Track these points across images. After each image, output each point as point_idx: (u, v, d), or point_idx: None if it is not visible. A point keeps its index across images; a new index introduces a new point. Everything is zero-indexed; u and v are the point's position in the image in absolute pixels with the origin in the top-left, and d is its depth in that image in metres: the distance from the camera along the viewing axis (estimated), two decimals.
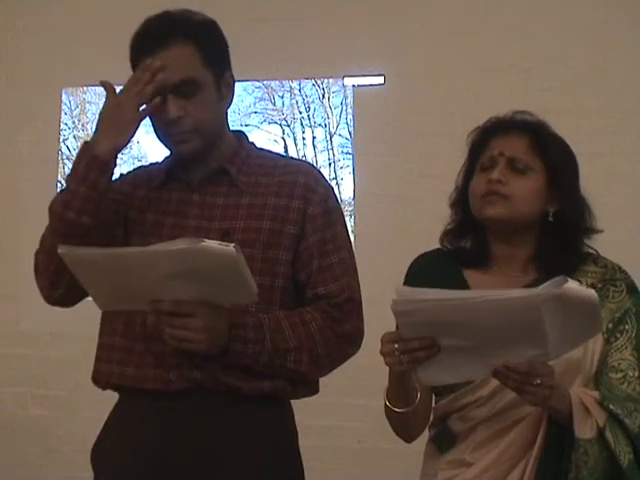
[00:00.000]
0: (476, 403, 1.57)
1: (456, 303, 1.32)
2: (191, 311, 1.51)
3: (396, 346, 1.39)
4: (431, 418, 1.67)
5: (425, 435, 1.69)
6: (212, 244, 1.41)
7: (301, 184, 1.72)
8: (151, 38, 1.65)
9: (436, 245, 1.75)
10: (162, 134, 1.70)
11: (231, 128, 1.82)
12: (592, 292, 1.33)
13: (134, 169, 1.91)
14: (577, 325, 1.35)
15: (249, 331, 1.59)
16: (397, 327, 1.41)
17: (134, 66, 1.67)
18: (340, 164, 4.13)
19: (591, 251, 1.66)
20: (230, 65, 1.75)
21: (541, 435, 1.49)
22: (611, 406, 1.47)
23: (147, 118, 1.68)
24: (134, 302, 1.56)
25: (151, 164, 1.91)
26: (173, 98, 1.62)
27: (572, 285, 1.29)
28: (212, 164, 1.73)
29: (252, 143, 1.84)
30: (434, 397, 1.66)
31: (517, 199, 1.60)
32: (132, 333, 1.67)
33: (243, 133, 1.85)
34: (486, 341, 1.35)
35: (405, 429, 1.64)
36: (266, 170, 1.75)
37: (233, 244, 1.42)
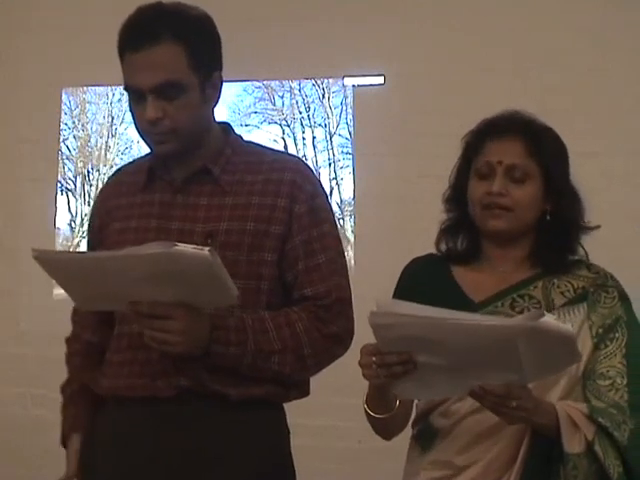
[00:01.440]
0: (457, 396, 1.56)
1: (433, 322, 1.31)
2: (169, 313, 1.49)
3: (374, 359, 1.39)
4: (413, 415, 1.67)
5: None
6: (185, 248, 1.39)
7: (287, 181, 1.67)
8: (139, 32, 1.60)
9: None
10: (142, 133, 1.67)
11: (217, 120, 1.76)
12: (568, 327, 1.34)
13: (113, 174, 1.89)
14: (555, 355, 1.35)
15: (231, 333, 1.57)
16: None
17: (121, 56, 1.63)
18: (340, 164, 4.12)
19: (582, 257, 1.66)
20: (221, 65, 1.69)
21: (524, 448, 1.49)
22: (600, 419, 1.46)
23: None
24: (113, 303, 1.55)
25: (133, 161, 1.89)
26: (153, 99, 1.58)
27: (548, 319, 1.28)
28: (196, 163, 1.68)
29: (239, 136, 1.78)
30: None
31: (519, 210, 1.61)
32: (121, 346, 1.67)
33: (229, 125, 1.79)
34: (463, 361, 1.34)
35: (384, 430, 1.64)
36: (252, 167, 1.70)
37: (208, 248, 1.40)
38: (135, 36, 1.60)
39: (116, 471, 1.65)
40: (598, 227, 1.67)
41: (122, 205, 1.74)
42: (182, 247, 1.39)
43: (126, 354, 1.66)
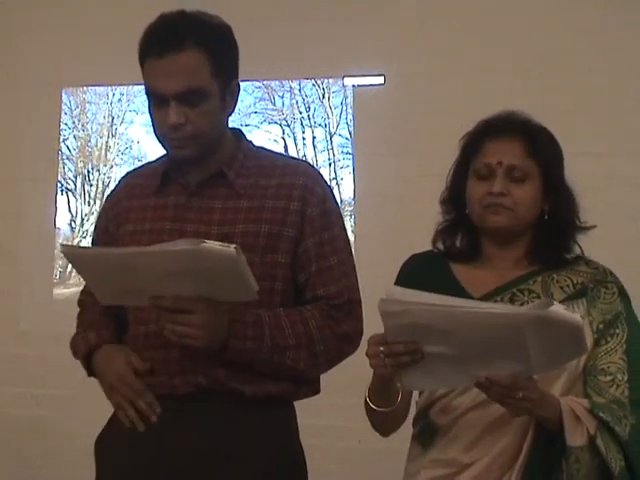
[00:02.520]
0: (456, 391, 1.57)
1: (442, 309, 1.32)
2: (191, 307, 1.52)
3: (381, 349, 1.39)
4: (414, 413, 1.67)
5: None
6: (213, 245, 1.43)
7: (299, 185, 1.71)
8: (164, 38, 1.62)
9: None
10: (161, 137, 1.70)
11: (230, 126, 1.80)
12: (577, 317, 1.33)
13: (123, 177, 1.91)
14: (562, 345, 1.35)
15: (248, 328, 1.61)
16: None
17: (142, 60, 1.65)
18: (340, 164, 4.11)
19: (580, 254, 1.67)
20: (237, 73, 1.73)
21: (527, 442, 1.50)
22: (601, 414, 1.47)
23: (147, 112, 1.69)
24: (135, 298, 1.58)
25: (144, 165, 1.92)
26: (176, 105, 1.61)
27: (556, 308, 1.29)
28: (210, 168, 1.72)
29: (250, 142, 1.83)
30: (414, 393, 1.66)
31: (520, 209, 1.61)
32: (137, 346, 1.70)
33: (241, 132, 1.84)
34: (470, 352, 1.35)
35: (383, 425, 1.65)
36: (264, 171, 1.74)
37: (234, 245, 1.43)
38: (159, 42, 1.62)
39: (128, 468, 1.67)
40: (594, 227, 1.68)
41: (134, 207, 1.77)
42: (210, 244, 1.43)
43: (142, 354, 1.68)
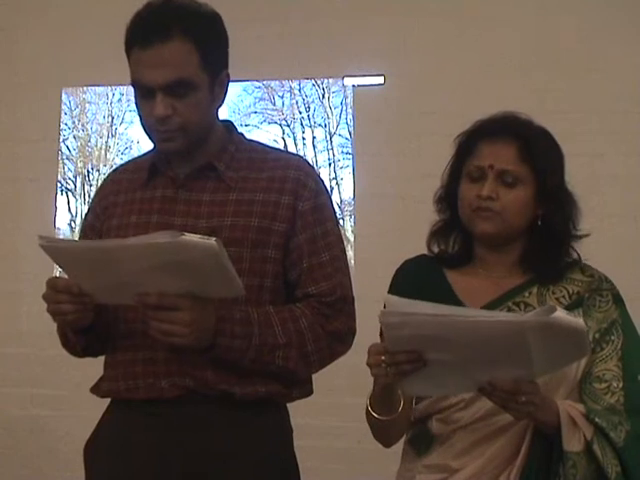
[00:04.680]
0: (458, 405, 1.56)
1: (444, 320, 1.31)
2: (177, 304, 1.47)
3: (383, 358, 1.39)
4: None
5: None
6: (192, 238, 1.38)
7: (291, 179, 1.67)
8: (150, 28, 1.57)
9: None
10: (148, 129, 1.65)
11: (220, 119, 1.76)
12: (580, 322, 1.33)
13: (110, 173, 1.88)
14: (564, 349, 1.35)
15: (236, 325, 1.56)
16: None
17: (128, 51, 1.61)
18: (340, 164, 4.12)
19: (576, 258, 1.65)
20: (227, 63, 1.68)
21: (525, 446, 1.49)
22: (597, 419, 1.47)
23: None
24: (120, 296, 1.53)
25: (131, 160, 1.88)
26: (163, 96, 1.57)
27: (560, 314, 1.28)
28: (199, 160, 1.67)
29: (241, 134, 1.78)
30: (414, 400, 1.64)
31: (508, 213, 1.59)
32: (120, 347, 1.66)
33: (232, 124, 1.79)
34: (472, 358, 1.35)
35: (385, 434, 1.63)
36: (255, 165, 1.70)
37: (214, 238, 1.39)
38: (145, 32, 1.57)
39: (117, 474, 1.64)
40: (587, 235, 1.65)
41: (119, 202, 1.73)
42: (189, 236, 1.38)
43: (125, 355, 1.64)
